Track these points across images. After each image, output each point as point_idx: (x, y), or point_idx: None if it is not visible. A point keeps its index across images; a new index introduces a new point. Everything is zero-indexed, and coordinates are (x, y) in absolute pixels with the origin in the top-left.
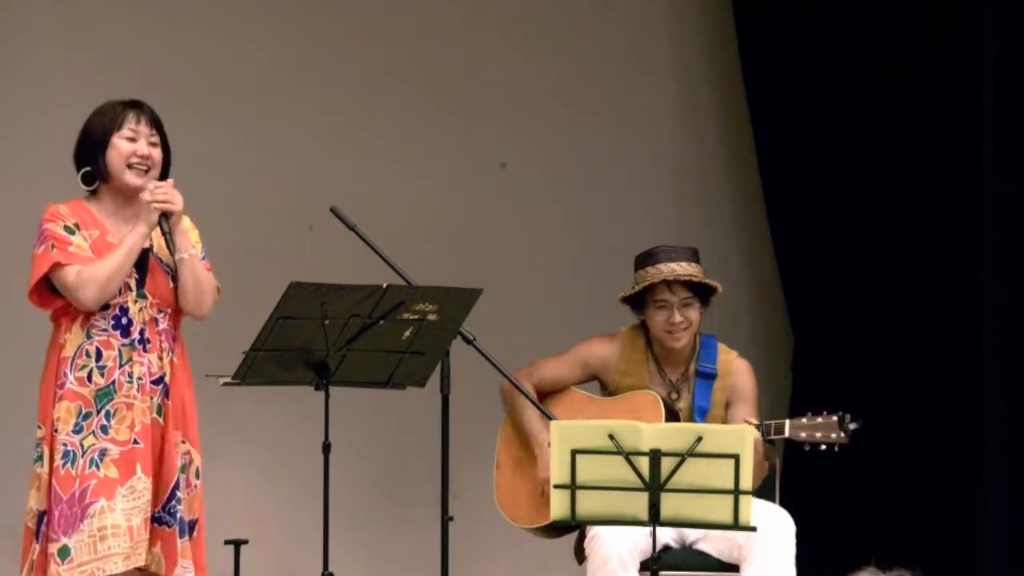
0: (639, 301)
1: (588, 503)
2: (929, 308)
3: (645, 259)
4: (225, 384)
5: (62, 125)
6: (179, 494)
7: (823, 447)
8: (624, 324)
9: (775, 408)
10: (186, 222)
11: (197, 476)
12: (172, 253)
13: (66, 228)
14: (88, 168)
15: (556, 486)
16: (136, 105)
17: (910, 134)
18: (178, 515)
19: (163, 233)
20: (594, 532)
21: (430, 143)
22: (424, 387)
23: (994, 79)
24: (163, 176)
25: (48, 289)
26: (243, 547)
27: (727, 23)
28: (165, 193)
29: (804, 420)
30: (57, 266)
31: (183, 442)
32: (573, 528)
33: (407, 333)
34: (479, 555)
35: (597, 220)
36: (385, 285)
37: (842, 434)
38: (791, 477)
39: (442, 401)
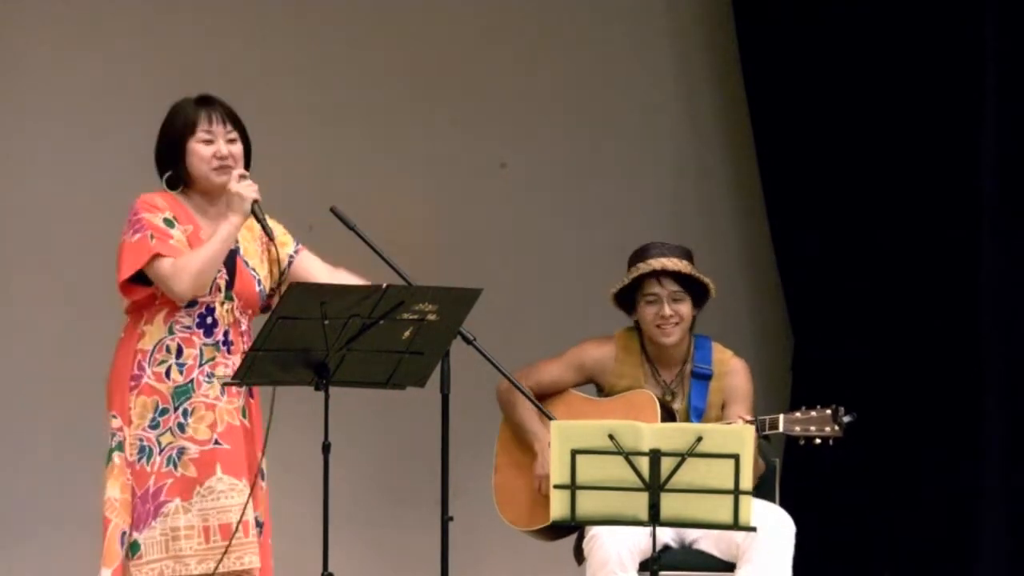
0: (630, 300)
1: (588, 503)
2: (929, 308)
3: (636, 255)
4: (225, 384)
5: (62, 125)
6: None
7: (817, 441)
8: (621, 326)
9: (775, 409)
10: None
11: (262, 476)
12: (271, 237)
13: (166, 220)
14: (170, 173)
15: (556, 486)
16: (207, 102)
17: (910, 133)
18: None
19: (258, 219)
20: (593, 532)
21: (430, 143)
22: (424, 387)
23: (995, 78)
24: (245, 168)
25: (133, 279)
26: None
27: (727, 23)
28: (251, 183)
29: (798, 414)
30: (157, 257)
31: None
32: (572, 530)
33: (407, 333)
34: (479, 555)
35: (597, 220)
36: (385, 285)
37: (836, 427)
38: (791, 477)
39: (442, 401)
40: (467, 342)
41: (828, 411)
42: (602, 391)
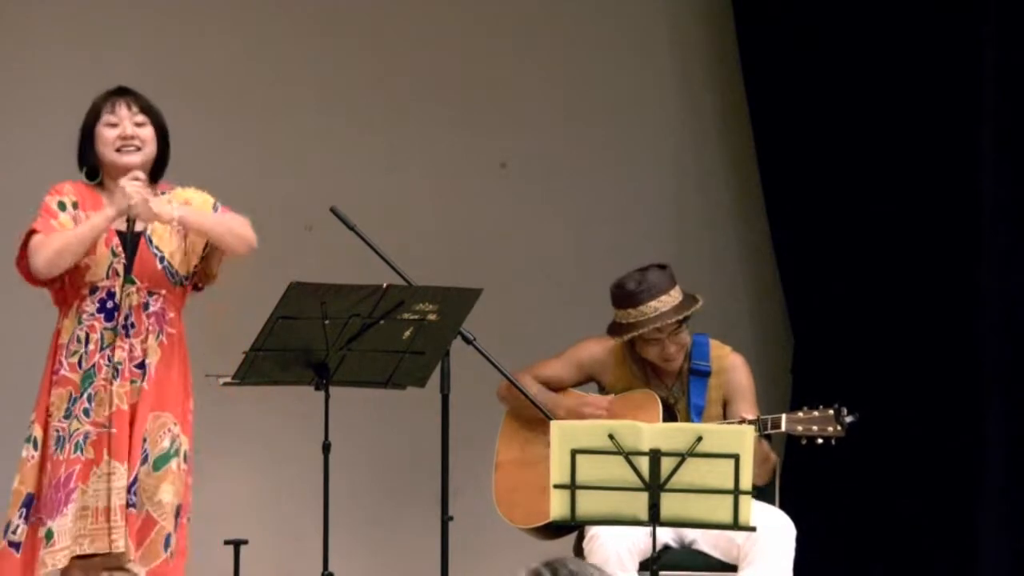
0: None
1: (588, 503)
2: (929, 308)
3: (626, 300)
4: (225, 384)
5: (61, 125)
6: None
7: (820, 440)
8: None
9: (775, 409)
10: (189, 193)
11: (185, 460)
12: (134, 249)
13: (60, 204)
14: (87, 166)
15: (556, 486)
16: (118, 92)
17: (910, 133)
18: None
19: (128, 222)
20: (593, 532)
21: (430, 143)
22: (424, 387)
23: (994, 81)
24: (162, 154)
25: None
26: (243, 547)
27: (727, 24)
28: (140, 186)
29: (800, 414)
30: (32, 232)
31: (175, 424)
32: (572, 529)
33: (407, 333)
34: (479, 555)
35: (597, 220)
36: (385, 285)
37: (838, 427)
38: (791, 477)
39: (442, 401)
40: (467, 342)
41: (831, 411)
42: (603, 390)
